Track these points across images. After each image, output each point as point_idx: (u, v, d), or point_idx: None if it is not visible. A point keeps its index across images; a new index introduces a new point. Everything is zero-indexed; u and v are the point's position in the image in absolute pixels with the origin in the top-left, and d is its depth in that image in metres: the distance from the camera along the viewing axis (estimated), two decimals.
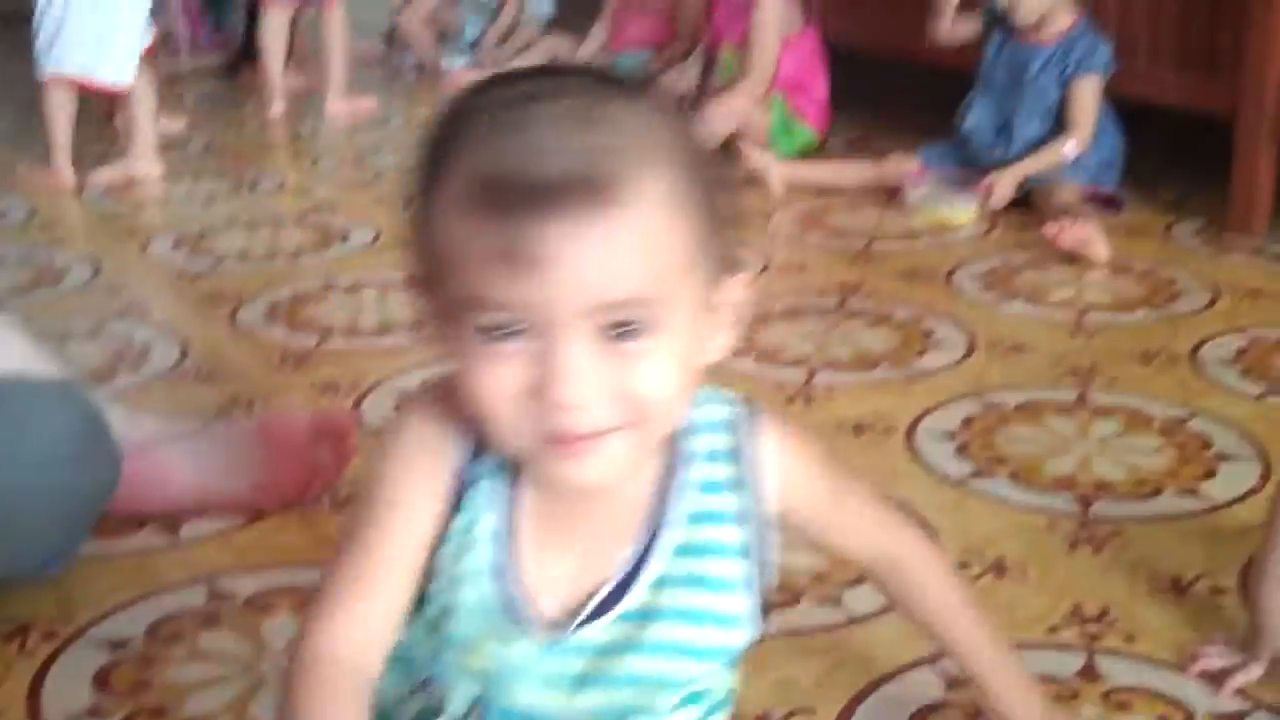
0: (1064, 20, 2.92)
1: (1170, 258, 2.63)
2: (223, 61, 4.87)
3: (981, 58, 3.07)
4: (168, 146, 3.61)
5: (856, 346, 2.17)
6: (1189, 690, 1.28)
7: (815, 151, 3.48)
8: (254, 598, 1.47)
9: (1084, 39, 2.89)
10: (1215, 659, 1.31)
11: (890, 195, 3.02)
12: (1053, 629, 1.39)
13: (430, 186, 0.81)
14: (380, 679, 0.88)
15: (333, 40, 4.09)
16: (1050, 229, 2.58)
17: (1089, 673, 1.31)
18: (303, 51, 4.46)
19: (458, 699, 0.92)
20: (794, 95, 3.43)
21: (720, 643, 0.92)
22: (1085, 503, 1.66)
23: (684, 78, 3.80)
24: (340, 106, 4.03)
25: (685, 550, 0.91)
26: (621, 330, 0.79)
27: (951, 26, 3.12)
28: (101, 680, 1.33)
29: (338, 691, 0.85)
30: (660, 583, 0.90)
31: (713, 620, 0.91)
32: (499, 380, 0.80)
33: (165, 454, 1.64)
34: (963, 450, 1.80)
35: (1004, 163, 2.92)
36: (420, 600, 0.90)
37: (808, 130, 3.44)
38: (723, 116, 3.32)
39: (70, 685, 1.33)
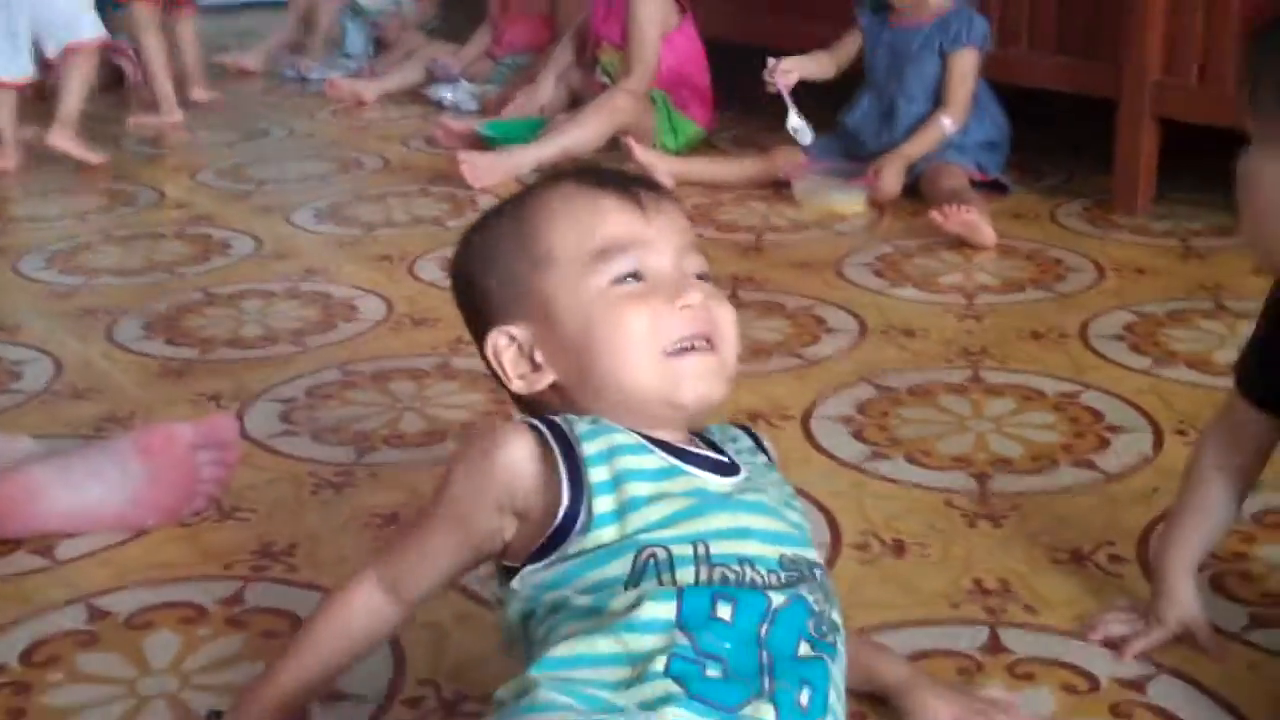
0: (941, 1, 2.94)
1: (1056, 239, 2.65)
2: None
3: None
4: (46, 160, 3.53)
5: (750, 337, 2.15)
6: (1092, 658, 1.28)
7: (702, 144, 3.47)
8: (134, 616, 1.42)
9: (960, 14, 2.92)
10: (1116, 625, 1.30)
11: (778, 189, 3.01)
12: (955, 605, 1.38)
13: (519, 223, 1.12)
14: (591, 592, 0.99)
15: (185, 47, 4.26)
16: (937, 214, 2.59)
17: (993, 646, 1.30)
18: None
19: (679, 545, 0.99)
20: (676, 90, 3.42)
21: None
22: (982, 479, 1.65)
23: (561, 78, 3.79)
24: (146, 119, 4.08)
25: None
26: (700, 274, 1.10)
27: (828, 62, 3.12)
28: None
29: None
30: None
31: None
32: (635, 311, 1.05)
33: (37, 473, 1.57)
34: (859, 434, 1.79)
35: (889, 148, 2.92)
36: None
37: (692, 125, 3.43)
38: (606, 116, 3.30)
39: None
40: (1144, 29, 2.68)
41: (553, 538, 1.01)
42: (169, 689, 1.29)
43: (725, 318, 1.09)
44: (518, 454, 1.04)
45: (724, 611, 0.96)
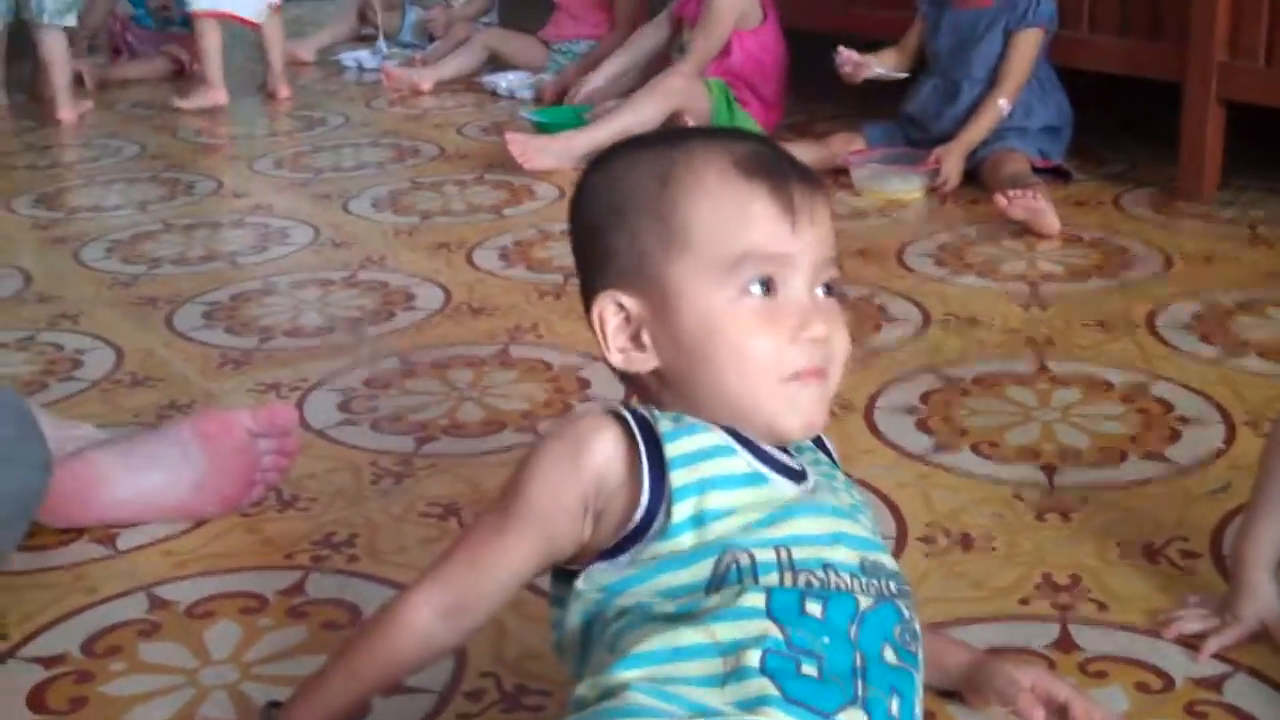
0: None
1: (1121, 227, 2.61)
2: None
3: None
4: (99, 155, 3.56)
5: None
6: (1167, 655, 1.25)
7: None
8: (195, 605, 1.41)
9: None
10: (1192, 622, 1.27)
11: (837, 176, 2.98)
12: (1024, 600, 1.35)
13: (662, 185, 1.03)
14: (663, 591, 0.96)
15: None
16: (1002, 198, 2.55)
17: (1064, 643, 1.27)
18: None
19: (762, 549, 0.96)
20: (739, 87, 3.38)
21: None
22: (1050, 472, 1.62)
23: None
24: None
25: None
26: (829, 287, 1.04)
27: (896, 57, 3.10)
28: (36, 699, 1.27)
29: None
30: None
31: None
32: (761, 334, 1.00)
33: (98, 460, 1.57)
34: (923, 425, 1.77)
35: (951, 131, 2.89)
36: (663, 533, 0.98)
37: (751, 120, 3.40)
38: (661, 98, 3.28)
39: (2, 707, 1.26)
40: (1209, 9, 2.63)
41: (627, 538, 0.98)
42: (229, 679, 1.28)
43: (841, 347, 1.04)
44: (607, 448, 1.00)
45: (814, 609, 0.93)
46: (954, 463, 1.66)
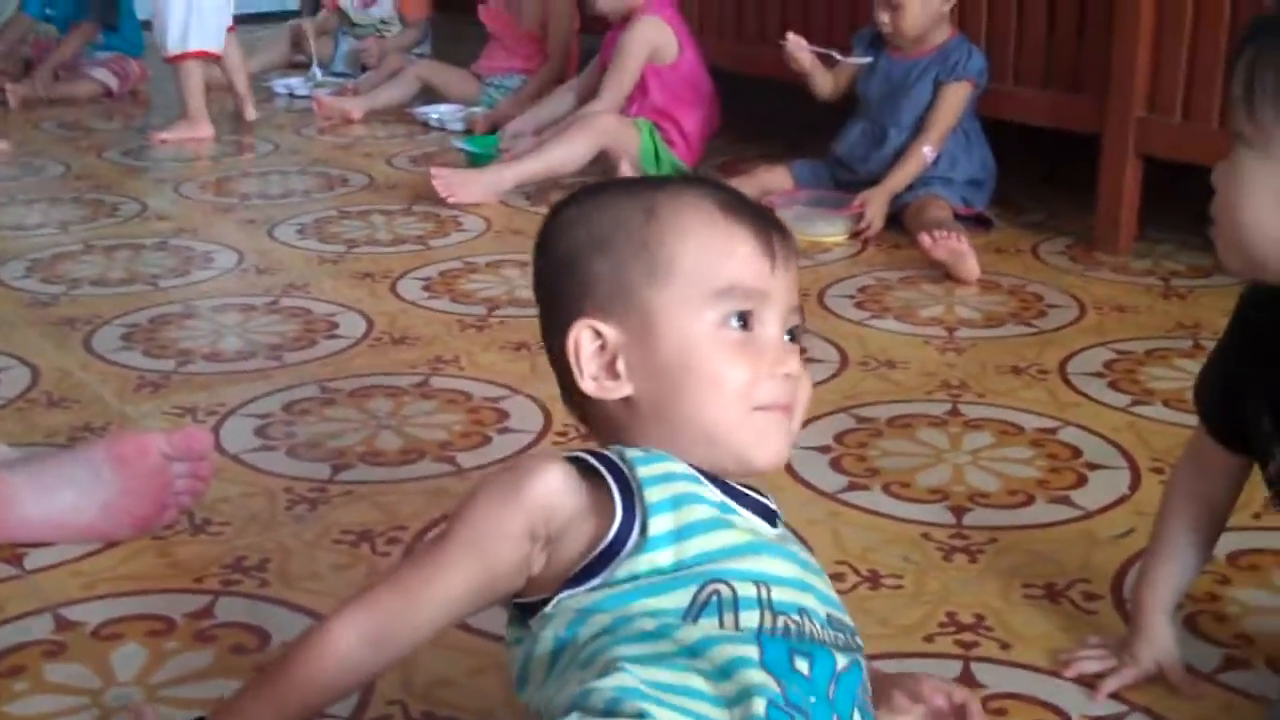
0: (941, 35, 2.96)
1: (1038, 275, 2.65)
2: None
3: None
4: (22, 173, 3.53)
5: None
6: (1065, 694, 1.27)
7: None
8: (102, 627, 1.40)
9: (960, 47, 2.94)
10: (1091, 663, 1.30)
11: None
12: (928, 638, 1.37)
13: (648, 218, 1.06)
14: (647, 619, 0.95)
15: None
16: (926, 237, 2.59)
17: (966, 680, 1.29)
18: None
19: (743, 583, 0.97)
20: (662, 124, 3.41)
21: None
22: (959, 513, 1.65)
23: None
24: None
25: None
26: (792, 334, 1.08)
27: (830, 80, 3.14)
28: None
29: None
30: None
31: None
32: (739, 363, 1.03)
33: (7, 480, 1.56)
34: (836, 464, 1.79)
35: (877, 176, 2.93)
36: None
37: (675, 159, 3.42)
38: (593, 135, 3.29)
39: None
40: (1128, 64, 2.68)
41: (598, 559, 0.98)
42: (134, 701, 1.27)
43: (805, 391, 1.08)
44: (553, 481, 1.01)
45: (802, 666, 0.94)
46: (865, 501, 1.68)
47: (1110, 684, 1.27)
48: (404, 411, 1.97)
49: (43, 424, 1.92)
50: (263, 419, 1.94)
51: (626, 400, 1.06)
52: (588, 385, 1.06)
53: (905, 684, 1.13)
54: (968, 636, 1.37)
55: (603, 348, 1.06)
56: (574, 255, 1.08)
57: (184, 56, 4.09)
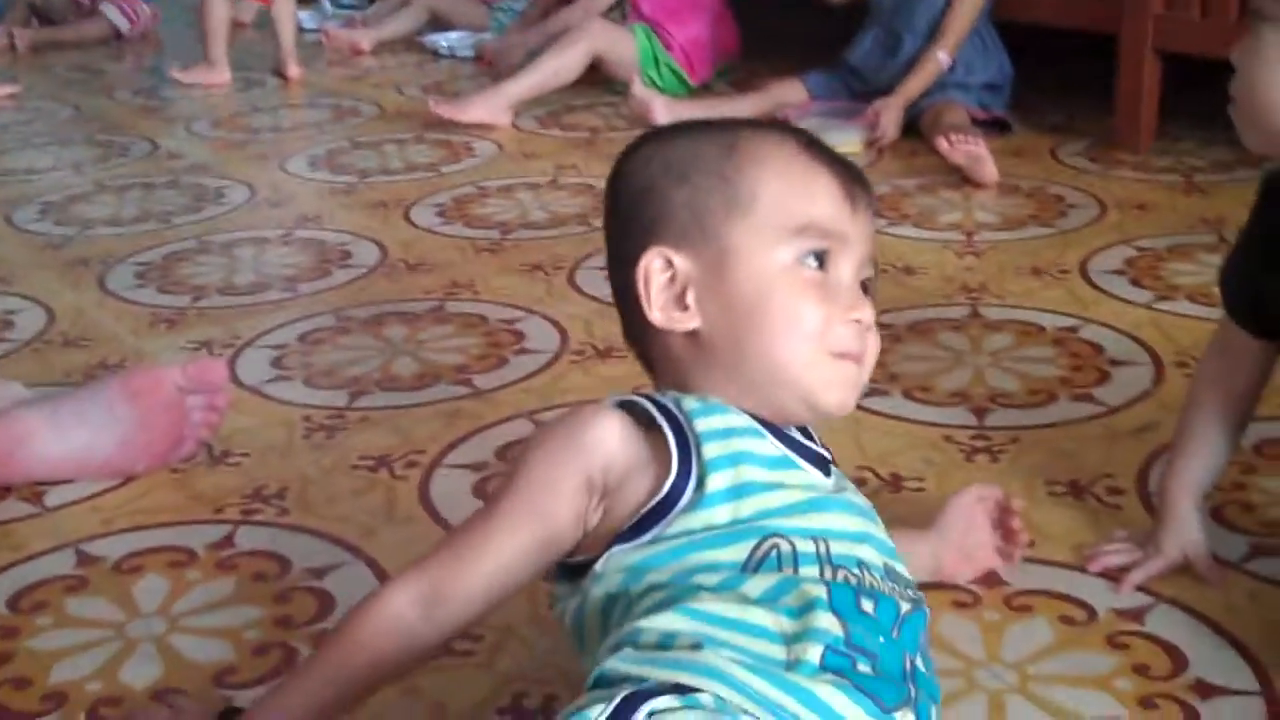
0: None
1: (1058, 176, 2.62)
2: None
3: None
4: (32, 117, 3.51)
5: None
6: (1091, 589, 1.26)
7: (700, 87, 3.42)
8: (123, 560, 1.40)
9: None
10: (1114, 556, 1.29)
11: None
12: None
13: (730, 152, 1.03)
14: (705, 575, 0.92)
15: None
16: (943, 141, 2.56)
17: (991, 578, 1.28)
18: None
19: (801, 539, 0.95)
20: (661, 30, 3.36)
21: None
22: (980, 414, 1.63)
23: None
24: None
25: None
26: (865, 286, 1.04)
27: None
28: None
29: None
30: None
31: None
32: (816, 303, 0.99)
33: (25, 419, 1.56)
34: None
35: (892, 84, 2.89)
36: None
37: (678, 68, 3.38)
38: (583, 43, 3.26)
39: None
40: None
41: (652, 514, 0.95)
42: (157, 632, 1.27)
43: (875, 344, 1.03)
44: (611, 431, 0.98)
45: (868, 606, 0.91)
46: (885, 407, 1.66)
47: (1136, 576, 1.26)
48: (420, 336, 1.96)
49: (60, 364, 1.92)
50: (279, 349, 1.94)
51: (693, 335, 1.02)
52: (655, 316, 1.02)
53: (947, 543, 1.26)
54: None
55: (673, 279, 1.02)
56: (650, 186, 1.04)
57: None
